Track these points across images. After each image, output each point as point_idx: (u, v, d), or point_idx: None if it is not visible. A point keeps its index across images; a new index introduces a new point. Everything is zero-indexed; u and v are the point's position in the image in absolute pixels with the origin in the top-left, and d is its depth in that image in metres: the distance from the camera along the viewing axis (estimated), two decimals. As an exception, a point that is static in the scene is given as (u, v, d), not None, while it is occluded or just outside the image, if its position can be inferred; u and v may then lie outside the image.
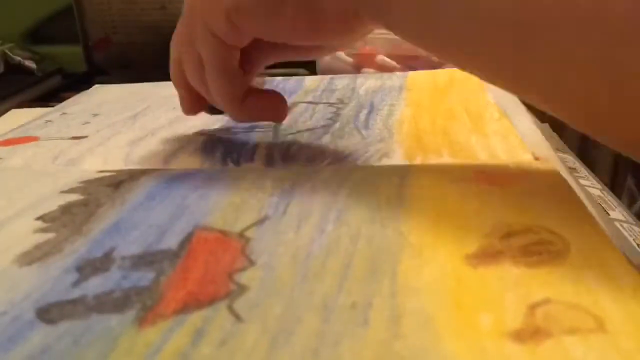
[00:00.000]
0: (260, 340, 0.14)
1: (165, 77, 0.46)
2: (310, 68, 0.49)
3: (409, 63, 0.48)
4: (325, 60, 0.48)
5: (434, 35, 0.21)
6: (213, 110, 0.29)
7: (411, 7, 0.20)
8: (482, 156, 0.25)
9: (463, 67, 0.22)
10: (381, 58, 0.47)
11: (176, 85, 0.28)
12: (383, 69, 0.47)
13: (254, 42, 0.25)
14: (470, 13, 0.18)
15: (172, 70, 0.28)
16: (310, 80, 0.42)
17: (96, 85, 0.46)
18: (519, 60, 0.18)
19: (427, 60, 0.47)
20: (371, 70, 0.47)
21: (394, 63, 0.47)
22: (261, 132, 0.31)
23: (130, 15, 0.53)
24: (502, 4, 0.17)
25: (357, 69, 0.48)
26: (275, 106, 0.28)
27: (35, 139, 0.33)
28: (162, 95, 0.41)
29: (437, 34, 0.20)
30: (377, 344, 0.13)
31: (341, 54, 0.48)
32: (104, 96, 0.42)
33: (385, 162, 0.26)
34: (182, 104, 0.29)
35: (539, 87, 0.19)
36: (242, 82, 0.26)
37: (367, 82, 0.40)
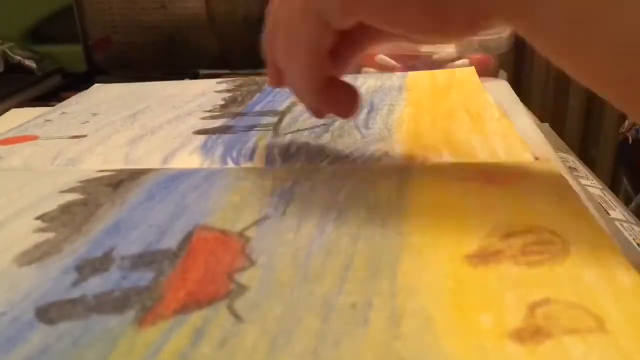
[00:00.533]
0: (260, 340, 0.14)
1: (165, 76, 0.46)
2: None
3: (409, 62, 0.48)
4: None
5: (585, 50, 0.18)
6: None
7: (559, 15, 0.18)
8: (482, 156, 0.25)
9: (612, 98, 0.19)
10: (381, 57, 0.47)
11: (266, 56, 0.27)
12: (383, 68, 0.47)
13: (358, 26, 0.23)
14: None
15: (266, 40, 0.26)
16: (310, 80, 0.42)
17: (96, 84, 0.46)
18: None
19: (427, 59, 0.47)
20: (371, 69, 0.47)
21: (394, 62, 0.47)
22: (261, 131, 0.31)
23: (131, 15, 0.53)
24: None
25: (357, 68, 0.48)
26: (350, 102, 0.26)
27: (34, 137, 0.32)
28: (162, 95, 0.41)
29: (589, 49, 0.18)
30: (377, 344, 0.13)
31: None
32: (103, 95, 0.42)
33: (385, 161, 0.26)
34: (269, 75, 0.28)
35: None
36: (327, 69, 0.25)
37: (367, 82, 0.40)
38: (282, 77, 0.26)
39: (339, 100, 0.26)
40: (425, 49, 0.45)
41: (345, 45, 0.25)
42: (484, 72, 0.42)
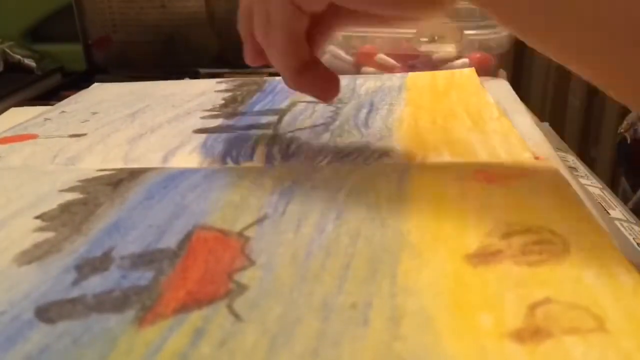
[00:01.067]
0: (260, 340, 0.14)
1: (165, 75, 0.46)
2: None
3: (409, 62, 0.47)
4: (324, 58, 0.48)
5: (544, 24, 0.18)
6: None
7: None
8: (482, 155, 0.25)
9: (573, 68, 0.19)
10: (381, 57, 0.47)
11: (242, 34, 0.28)
12: (383, 67, 0.47)
13: (330, 9, 0.24)
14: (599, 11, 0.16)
15: (241, 18, 0.27)
16: (310, 79, 0.42)
17: (95, 84, 0.46)
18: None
19: (427, 59, 0.47)
20: (371, 69, 0.47)
21: (393, 62, 0.47)
22: (261, 131, 0.31)
23: (130, 14, 0.53)
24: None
25: (357, 67, 0.48)
26: (328, 85, 0.27)
27: (34, 136, 0.32)
28: (161, 94, 0.41)
29: (550, 23, 0.18)
30: (377, 344, 0.13)
31: (341, 53, 0.47)
32: (103, 94, 0.42)
33: (385, 160, 0.26)
34: (245, 53, 0.28)
35: None
36: (305, 51, 0.25)
37: (367, 82, 0.40)
38: (260, 55, 0.27)
39: (318, 83, 0.27)
40: (424, 48, 0.45)
41: (317, 27, 0.26)
42: (484, 71, 0.42)
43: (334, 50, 0.48)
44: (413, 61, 0.48)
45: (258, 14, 0.25)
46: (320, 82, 0.27)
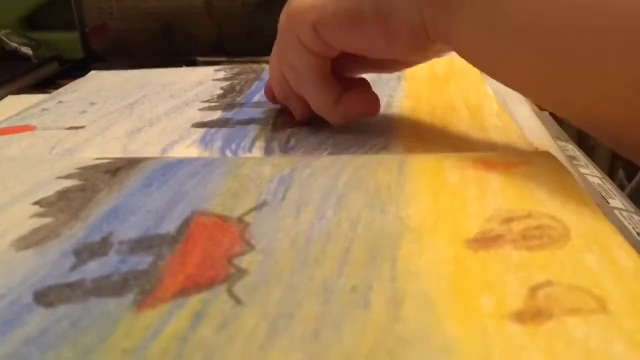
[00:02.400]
0: (261, 323, 0.14)
1: (162, 63, 0.46)
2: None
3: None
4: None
5: (486, 55, 0.22)
6: None
7: (468, 24, 0.21)
8: (481, 149, 0.25)
9: (516, 89, 0.23)
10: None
11: (282, 97, 0.30)
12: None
13: (343, 54, 0.26)
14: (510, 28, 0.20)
15: (278, 86, 0.29)
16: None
17: (92, 72, 0.45)
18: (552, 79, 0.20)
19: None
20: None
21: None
22: (260, 125, 0.30)
23: (128, 1, 0.52)
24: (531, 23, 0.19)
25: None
26: (367, 101, 0.28)
27: (31, 128, 0.32)
28: (159, 83, 0.40)
29: (489, 54, 0.22)
30: (378, 326, 0.13)
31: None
32: (100, 83, 0.42)
33: (385, 154, 0.26)
34: (294, 112, 0.30)
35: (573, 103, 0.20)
36: (335, 87, 0.27)
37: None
38: (305, 109, 0.29)
39: (356, 105, 0.28)
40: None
41: (340, 67, 0.28)
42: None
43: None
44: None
45: (289, 73, 0.28)
46: (358, 102, 0.28)
